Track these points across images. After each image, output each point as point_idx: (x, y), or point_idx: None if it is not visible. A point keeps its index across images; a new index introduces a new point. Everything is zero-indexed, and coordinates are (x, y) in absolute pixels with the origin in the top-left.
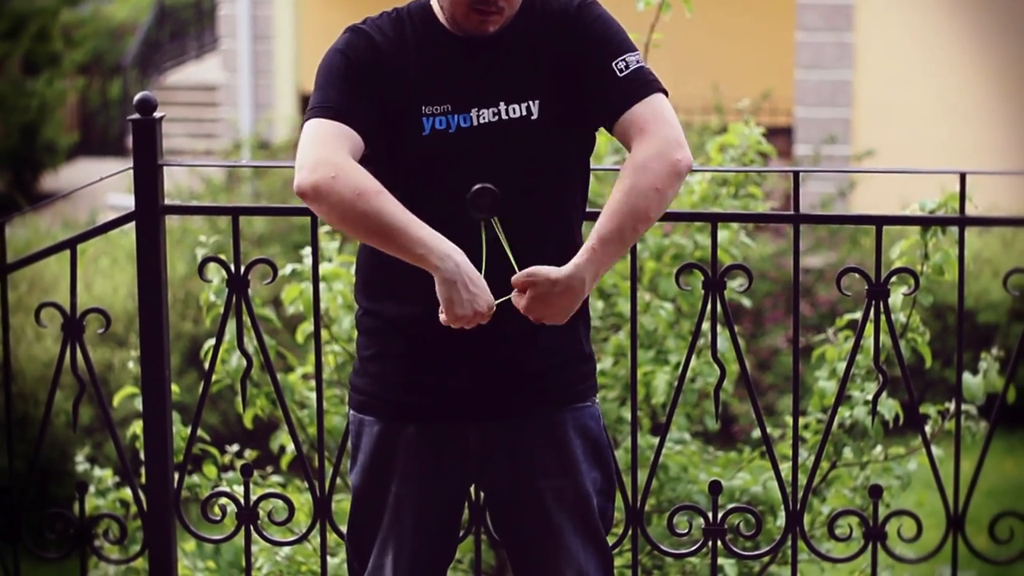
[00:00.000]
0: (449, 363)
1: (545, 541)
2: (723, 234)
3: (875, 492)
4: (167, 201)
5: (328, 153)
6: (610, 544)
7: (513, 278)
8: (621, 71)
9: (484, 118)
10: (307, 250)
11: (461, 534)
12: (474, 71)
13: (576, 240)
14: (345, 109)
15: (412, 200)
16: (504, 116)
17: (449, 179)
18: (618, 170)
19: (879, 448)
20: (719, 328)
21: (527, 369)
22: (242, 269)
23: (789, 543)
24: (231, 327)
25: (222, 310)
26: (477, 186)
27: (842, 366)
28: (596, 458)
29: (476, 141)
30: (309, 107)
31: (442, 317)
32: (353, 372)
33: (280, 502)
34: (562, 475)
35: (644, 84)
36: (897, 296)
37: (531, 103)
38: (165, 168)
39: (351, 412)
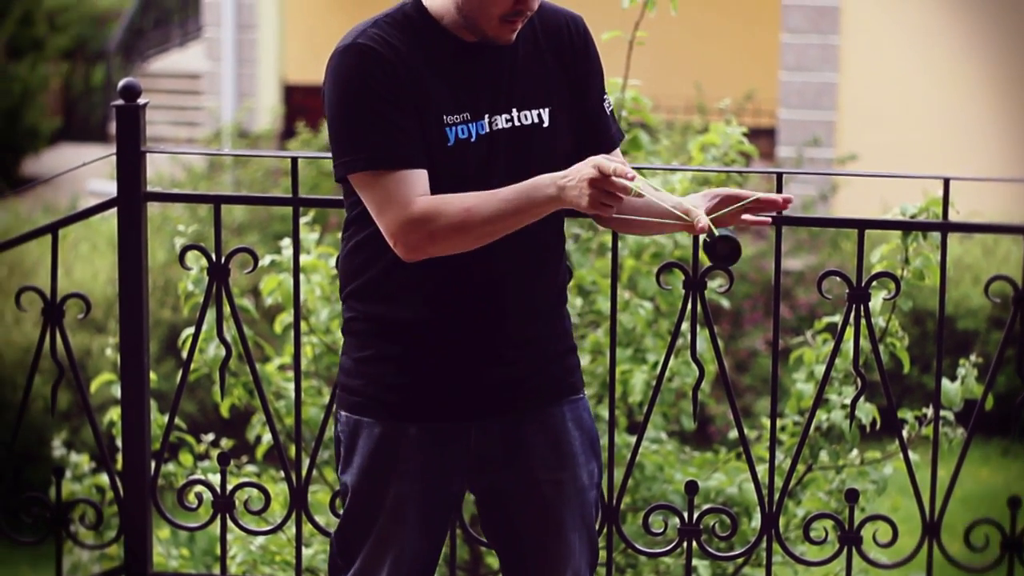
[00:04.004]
0: (448, 363)
1: (545, 534)
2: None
3: (851, 496)
4: (149, 188)
5: (405, 213)
6: None
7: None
8: (607, 108)
9: (498, 124)
10: (286, 241)
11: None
12: (485, 78)
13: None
14: (395, 151)
15: None
16: (518, 123)
17: (473, 187)
18: None
19: (855, 452)
20: (698, 328)
21: (523, 366)
22: (223, 258)
23: (764, 545)
24: (210, 316)
25: (201, 299)
26: (720, 234)
27: (820, 369)
28: (592, 450)
29: (494, 148)
30: (352, 153)
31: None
32: (344, 374)
33: (256, 491)
34: (561, 468)
35: (619, 129)
36: (877, 300)
37: (542, 111)
38: (147, 155)
39: (343, 414)
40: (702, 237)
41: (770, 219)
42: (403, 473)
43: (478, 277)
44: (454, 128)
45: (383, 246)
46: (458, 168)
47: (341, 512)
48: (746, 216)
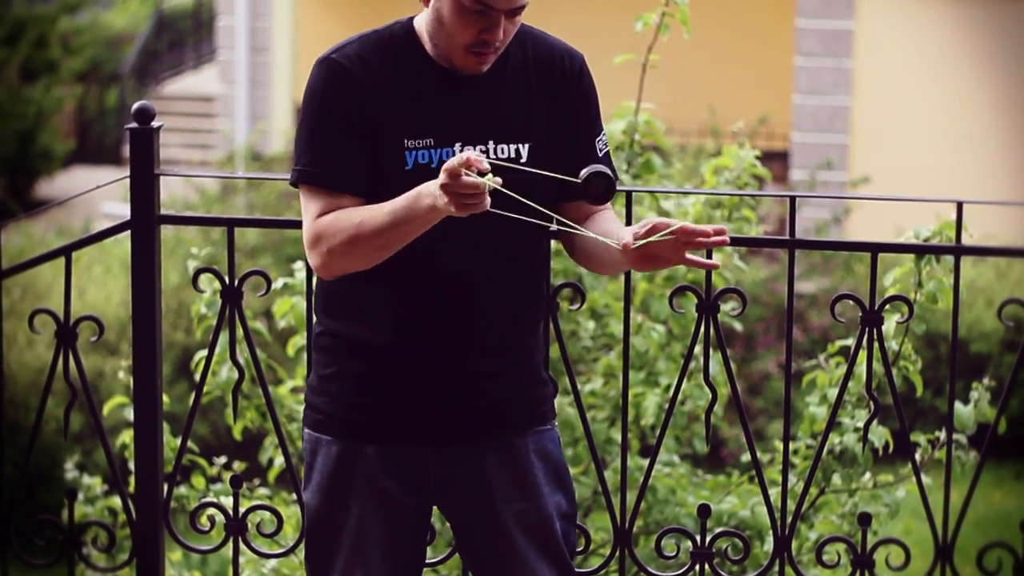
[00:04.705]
0: (409, 387)
1: (510, 565)
2: (716, 257)
3: (864, 519)
4: (162, 211)
5: (312, 230)
6: (597, 565)
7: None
8: (600, 151)
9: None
10: (299, 263)
11: (448, 553)
12: (461, 106)
13: (544, 280)
14: (331, 173)
15: None
16: (492, 155)
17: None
18: None
19: (868, 475)
20: (711, 351)
21: (486, 396)
22: (236, 281)
23: (776, 568)
24: (223, 338)
25: (214, 321)
26: (592, 170)
27: (833, 392)
28: (558, 481)
29: None
30: (297, 161)
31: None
32: (308, 389)
33: (268, 514)
34: (524, 499)
35: (614, 168)
36: (890, 323)
37: (520, 146)
38: (161, 178)
39: (306, 431)
40: (583, 175)
41: (718, 263)
42: (361, 492)
43: (447, 304)
44: (414, 152)
45: (351, 275)
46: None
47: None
48: (690, 256)
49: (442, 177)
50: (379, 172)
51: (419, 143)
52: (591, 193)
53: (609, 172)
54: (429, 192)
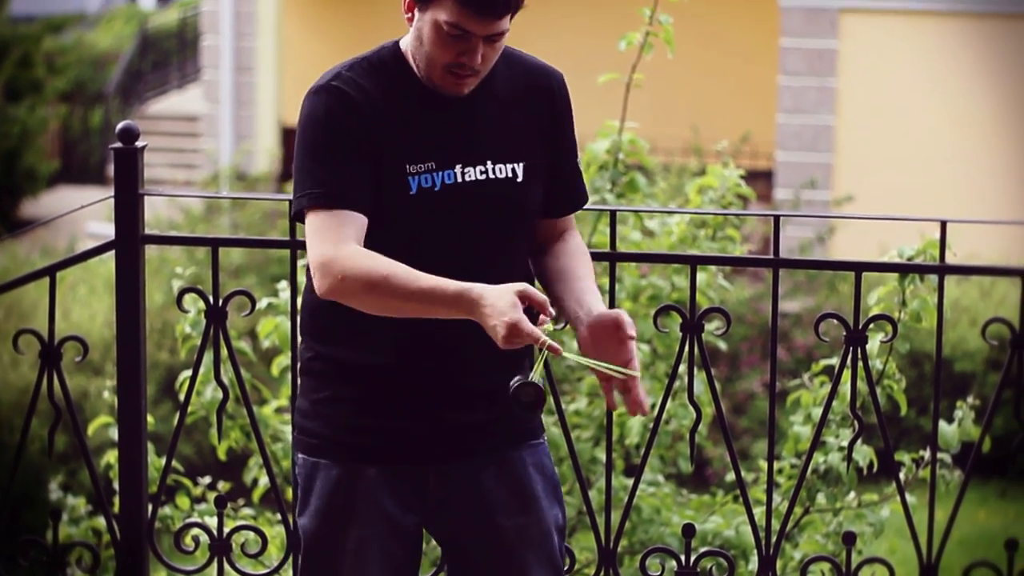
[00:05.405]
0: (406, 406)
1: None
2: (701, 276)
3: (848, 539)
4: (147, 231)
5: (330, 251)
6: None
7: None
8: (576, 168)
9: (470, 176)
10: (283, 283)
11: (432, 573)
12: (456, 128)
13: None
14: (340, 191)
15: (400, 258)
16: (491, 176)
17: (436, 236)
18: None
19: (853, 495)
20: (695, 371)
21: (485, 413)
22: (220, 301)
23: None
24: (208, 358)
25: (198, 341)
26: (518, 382)
27: (817, 411)
28: (554, 495)
29: (461, 198)
30: (301, 190)
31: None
32: (300, 415)
33: (253, 534)
34: (524, 513)
35: (584, 188)
36: (874, 342)
37: (516, 166)
38: (145, 197)
39: (300, 456)
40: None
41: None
42: (362, 515)
43: (442, 324)
44: (417, 177)
45: None
46: (422, 216)
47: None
48: (611, 371)
49: (517, 316)
50: (381, 198)
51: (420, 167)
52: (521, 402)
53: (539, 383)
54: (474, 299)
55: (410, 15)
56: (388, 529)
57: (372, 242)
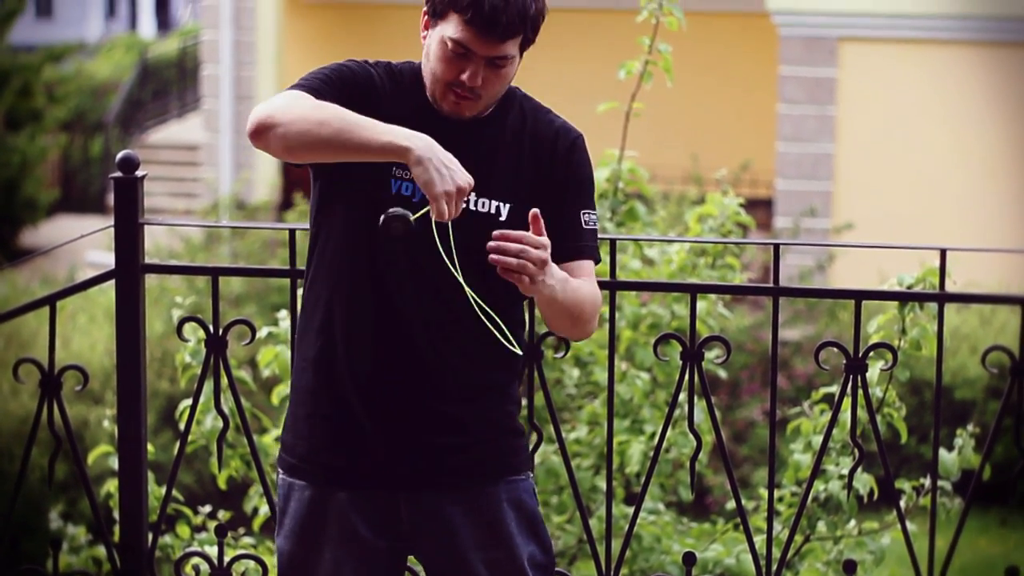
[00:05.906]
0: (380, 433)
1: None
2: (701, 305)
3: (849, 567)
4: (147, 260)
5: (288, 99)
6: None
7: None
8: (586, 223)
9: None
10: (283, 312)
11: None
12: (454, 153)
13: (518, 327)
14: (326, 97)
15: (360, 263)
16: (472, 207)
17: (402, 249)
18: None
19: (853, 523)
20: (696, 399)
21: (456, 443)
22: (220, 330)
23: None
24: (208, 387)
25: (198, 370)
26: (392, 213)
27: (817, 439)
28: (532, 531)
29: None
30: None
31: (431, 209)
32: (284, 428)
33: (253, 563)
34: (495, 547)
35: (597, 246)
36: (874, 370)
37: (501, 205)
38: (145, 227)
39: (280, 475)
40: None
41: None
42: (335, 535)
43: (419, 353)
44: (400, 182)
45: (321, 307)
46: None
47: None
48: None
49: (457, 178)
50: (359, 188)
51: (406, 174)
52: (390, 233)
53: (405, 212)
54: (414, 135)
55: (425, 33)
56: (360, 551)
57: (341, 227)
